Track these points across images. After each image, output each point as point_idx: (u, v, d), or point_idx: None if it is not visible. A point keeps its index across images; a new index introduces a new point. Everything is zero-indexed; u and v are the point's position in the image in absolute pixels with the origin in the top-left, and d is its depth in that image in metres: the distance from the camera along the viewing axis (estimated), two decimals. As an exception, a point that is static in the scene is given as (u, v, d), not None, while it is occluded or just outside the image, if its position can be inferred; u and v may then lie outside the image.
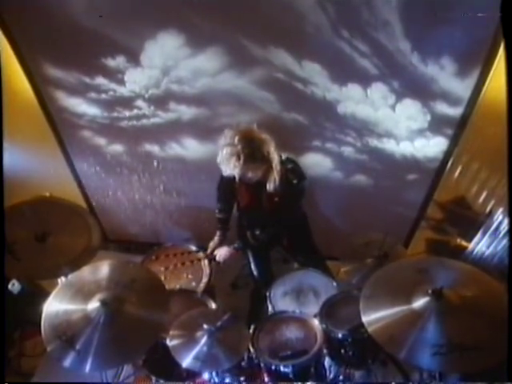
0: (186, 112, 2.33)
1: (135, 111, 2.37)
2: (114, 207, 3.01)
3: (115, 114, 2.41)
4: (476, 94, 1.99)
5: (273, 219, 2.14)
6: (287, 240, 2.46)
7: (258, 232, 2.15)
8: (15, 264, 1.91)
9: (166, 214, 3.00)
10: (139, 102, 2.33)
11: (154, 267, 2.26)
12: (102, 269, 1.81)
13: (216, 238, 2.40)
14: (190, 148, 2.52)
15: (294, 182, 1.99)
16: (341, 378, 2.01)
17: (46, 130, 2.53)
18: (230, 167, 1.83)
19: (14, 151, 2.45)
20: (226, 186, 2.20)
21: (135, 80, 2.23)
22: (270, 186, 1.94)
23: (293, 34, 1.94)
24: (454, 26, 1.79)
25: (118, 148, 2.61)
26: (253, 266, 2.41)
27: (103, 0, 1.96)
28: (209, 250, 2.36)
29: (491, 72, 1.88)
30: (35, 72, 2.27)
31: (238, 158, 1.80)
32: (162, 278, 2.20)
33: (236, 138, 1.80)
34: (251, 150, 1.81)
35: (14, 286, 2.29)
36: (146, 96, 2.29)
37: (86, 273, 1.82)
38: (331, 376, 2.00)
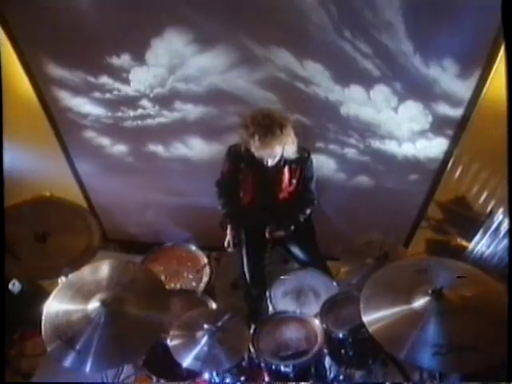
0: (191, 111, 2.32)
1: (140, 111, 2.36)
2: (115, 207, 3.01)
3: (119, 114, 2.40)
4: (476, 94, 1.99)
5: (288, 211, 2.19)
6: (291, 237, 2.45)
7: (274, 227, 2.19)
8: (15, 264, 1.91)
9: (166, 213, 2.99)
10: (144, 102, 2.32)
11: (154, 267, 2.26)
12: (102, 269, 1.80)
13: (229, 234, 2.37)
14: (196, 148, 2.52)
15: (305, 155, 2.14)
16: (341, 378, 2.01)
17: (46, 130, 2.52)
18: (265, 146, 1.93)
19: (14, 151, 2.44)
20: (229, 181, 2.22)
21: (140, 79, 2.22)
22: (287, 152, 2.04)
23: (295, 34, 1.94)
24: (455, 28, 1.79)
25: (121, 148, 2.61)
26: (245, 267, 2.37)
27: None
28: (230, 248, 2.37)
29: (492, 73, 1.89)
30: (38, 71, 2.26)
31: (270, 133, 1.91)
32: (162, 278, 2.20)
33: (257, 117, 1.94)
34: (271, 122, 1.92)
35: (14, 285, 2.29)
36: (151, 95, 2.28)
37: (86, 273, 1.82)
38: (331, 376, 2.00)
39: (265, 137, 1.91)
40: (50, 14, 2.01)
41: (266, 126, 1.91)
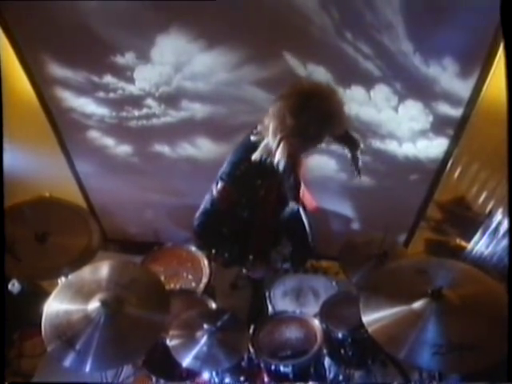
0: (199, 110, 2.29)
1: (145, 110, 2.33)
2: (115, 207, 3.01)
3: (124, 114, 2.37)
4: (476, 94, 1.99)
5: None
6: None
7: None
8: (15, 264, 1.91)
9: (166, 214, 2.99)
10: (149, 101, 2.29)
11: (154, 267, 2.26)
12: (102, 269, 1.80)
13: None
14: (203, 148, 2.49)
15: None
16: (341, 378, 2.01)
17: (47, 130, 2.52)
18: None
19: (14, 151, 2.44)
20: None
21: (145, 77, 2.18)
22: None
23: (298, 36, 1.94)
24: (455, 27, 1.79)
25: (126, 148, 2.59)
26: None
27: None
28: None
29: (491, 72, 1.89)
30: (41, 72, 2.24)
31: None
32: (162, 278, 2.20)
33: None
34: None
35: (14, 286, 2.29)
36: (157, 94, 2.25)
37: (86, 273, 1.82)
38: (331, 376, 2.00)
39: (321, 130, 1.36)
40: (51, 13, 1.99)
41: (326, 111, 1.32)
